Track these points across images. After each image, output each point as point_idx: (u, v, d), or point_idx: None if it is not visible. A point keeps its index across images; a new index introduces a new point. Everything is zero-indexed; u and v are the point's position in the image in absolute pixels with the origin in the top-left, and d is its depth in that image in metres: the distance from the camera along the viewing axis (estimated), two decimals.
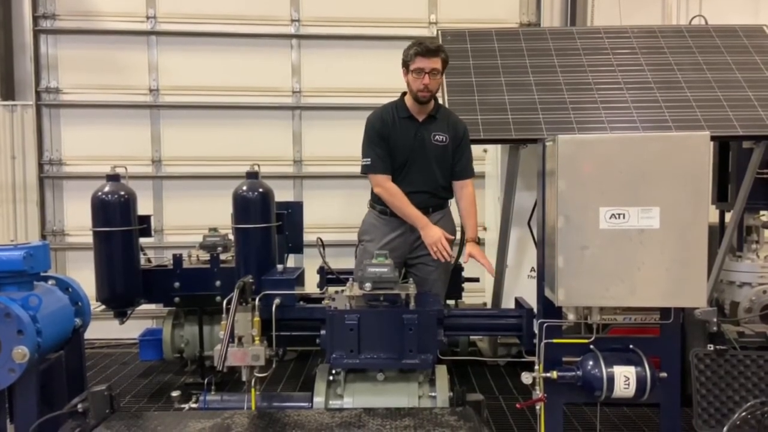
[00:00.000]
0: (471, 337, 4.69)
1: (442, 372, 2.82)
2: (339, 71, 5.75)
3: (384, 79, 5.75)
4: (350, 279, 3.14)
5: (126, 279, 3.99)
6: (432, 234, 3.26)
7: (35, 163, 5.59)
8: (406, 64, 3.32)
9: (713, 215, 4.23)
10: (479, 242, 3.47)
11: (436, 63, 3.25)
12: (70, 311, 2.84)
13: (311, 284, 3.60)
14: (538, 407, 2.60)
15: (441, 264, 3.40)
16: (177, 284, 4.20)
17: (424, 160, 3.39)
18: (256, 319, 2.77)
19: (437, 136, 3.38)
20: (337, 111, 5.69)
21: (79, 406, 2.38)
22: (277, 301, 2.86)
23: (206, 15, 5.71)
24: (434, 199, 3.42)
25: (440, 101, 3.55)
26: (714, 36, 4.28)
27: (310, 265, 4.07)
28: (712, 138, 2.54)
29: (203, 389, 2.88)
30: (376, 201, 3.47)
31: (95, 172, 5.03)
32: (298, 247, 4.58)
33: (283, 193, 4.84)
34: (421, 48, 3.25)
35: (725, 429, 2.41)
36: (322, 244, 3.52)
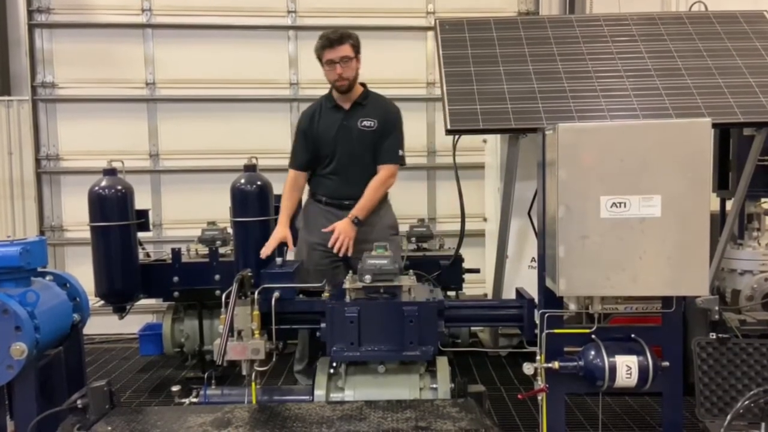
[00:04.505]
0: (472, 328, 4.68)
1: (443, 363, 2.81)
2: None
3: (382, 70, 5.73)
4: (350, 272, 3.13)
5: (125, 274, 3.98)
6: (273, 235, 3.37)
7: (32, 159, 5.57)
8: (319, 59, 3.41)
9: (714, 203, 4.20)
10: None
11: (343, 51, 3.33)
12: (68, 307, 2.83)
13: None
14: (540, 398, 2.59)
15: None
16: (176, 279, 4.20)
17: (352, 147, 3.42)
18: (256, 312, 2.75)
19: (365, 122, 3.42)
20: None
21: (79, 401, 2.37)
22: (276, 294, 2.84)
23: (202, 7, 5.67)
24: None
25: (369, 89, 3.60)
26: (714, 22, 4.24)
27: None
28: (713, 125, 2.51)
29: (203, 384, 2.87)
30: (313, 189, 3.56)
31: (92, 167, 5.00)
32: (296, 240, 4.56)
33: (281, 186, 4.80)
34: (325, 40, 3.35)
35: (728, 417, 2.40)
36: None
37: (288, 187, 3.54)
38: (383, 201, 3.54)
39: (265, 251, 3.26)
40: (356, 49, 3.41)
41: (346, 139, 3.43)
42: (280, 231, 3.38)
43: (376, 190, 3.42)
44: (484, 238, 5.26)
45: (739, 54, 3.98)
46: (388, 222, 3.58)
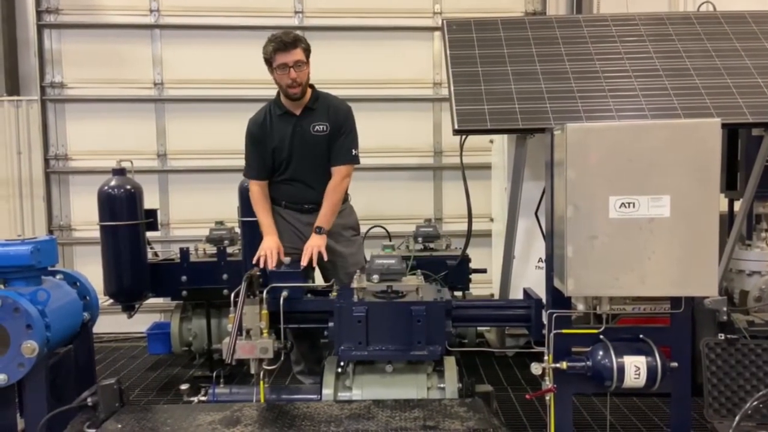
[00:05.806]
0: (478, 328, 4.68)
1: (450, 363, 2.82)
2: (343, 62, 5.71)
3: (389, 70, 5.75)
4: (357, 271, 3.13)
5: (133, 273, 4.01)
6: (262, 246, 3.28)
7: (41, 159, 5.59)
8: (268, 63, 3.29)
9: (722, 204, 4.19)
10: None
11: (297, 55, 3.22)
12: (78, 305, 2.86)
13: (318, 276, 3.59)
14: (547, 398, 2.59)
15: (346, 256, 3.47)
16: (184, 278, 4.22)
17: (307, 154, 3.37)
18: (264, 311, 2.77)
19: (317, 127, 3.35)
20: None
21: (89, 399, 2.39)
22: (284, 293, 2.85)
23: (209, 7, 5.68)
24: None
25: (317, 90, 3.50)
26: (722, 22, 4.23)
27: None
28: (722, 125, 2.50)
29: (212, 382, 2.89)
30: (271, 194, 3.49)
31: (101, 167, 5.03)
32: None
33: None
34: (279, 43, 3.21)
35: (737, 418, 2.39)
36: None
37: (258, 198, 3.44)
38: (344, 201, 3.51)
39: (271, 265, 3.15)
40: (308, 53, 3.30)
41: (300, 146, 3.36)
42: (274, 241, 3.31)
43: (333, 195, 3.35)
44: (491, 238, 5.26)
45: (748, 54, 3.97)
46: (349, 224, 3.56)
